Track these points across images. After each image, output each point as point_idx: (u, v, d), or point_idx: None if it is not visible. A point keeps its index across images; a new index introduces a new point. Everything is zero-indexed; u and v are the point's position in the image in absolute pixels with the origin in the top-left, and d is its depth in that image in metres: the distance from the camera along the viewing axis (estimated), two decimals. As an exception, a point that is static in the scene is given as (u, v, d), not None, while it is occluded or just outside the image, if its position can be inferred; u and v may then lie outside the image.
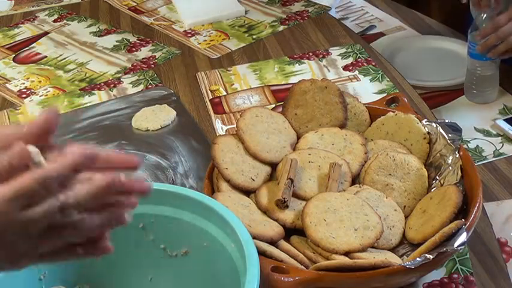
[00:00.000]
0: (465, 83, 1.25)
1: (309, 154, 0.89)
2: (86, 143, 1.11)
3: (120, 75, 1.37)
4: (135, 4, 1.71)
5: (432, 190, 0.85)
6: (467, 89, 1.24)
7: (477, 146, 1.09)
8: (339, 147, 0.91)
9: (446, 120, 0.89)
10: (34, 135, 0.49)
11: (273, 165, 0.89)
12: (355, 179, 0.88)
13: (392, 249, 0.80)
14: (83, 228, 0.48)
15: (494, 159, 1.05)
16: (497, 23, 1.15)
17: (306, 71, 1.31)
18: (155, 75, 1.35)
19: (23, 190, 0.45)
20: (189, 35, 1.52)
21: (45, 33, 1.60)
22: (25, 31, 1.62)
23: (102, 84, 1.34)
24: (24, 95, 1.33)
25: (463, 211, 0.78)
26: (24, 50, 1.52)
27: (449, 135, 0.86)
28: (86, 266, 0.69)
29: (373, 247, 0.78)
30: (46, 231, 0.47)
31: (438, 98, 1.27)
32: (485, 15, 1.16)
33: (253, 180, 0.86)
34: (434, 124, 0.89)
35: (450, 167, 0.84)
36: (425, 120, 0.91)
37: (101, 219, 0.49)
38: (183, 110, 1.21)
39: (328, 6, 1.61)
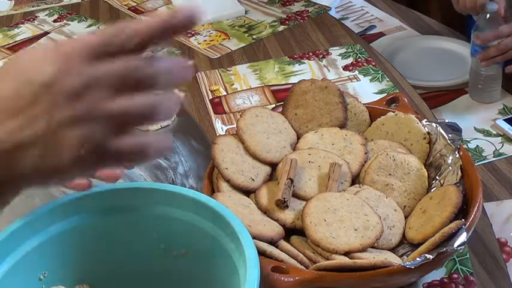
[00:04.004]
0: (470, 82, 1.24)
1: (309, 154, 0.89)
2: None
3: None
4: (135, 4, 1.71)
5: (432, 190, 0.85)
6: (472, 88, 1.24)
7: (477, 146, 1.09)
8: (339, 147, 0.91)
9: (446, 120, 0.89)
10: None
11: (273, 165, 0.89)
12: (355, 179, 0.88)
13: (393, 249, 0.80)
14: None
15: (494, 159, 1.05)
16: (499, 33, 1.15)
17: (306, 71, 1.31)
18: (155, 75, 1.35)
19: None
20: (189, 35, 1.52)
21: (45, 33, 1.60)
22: (25, 31, 1.62)
23: (102, 84, 1.34)
24: (24, 95, 1.32)
25: (463, 211, 0.78)
26: (24, 50, 1.52)
27: (449, 135, 0.86)
28: (86, 266, 0.69)
29: (373, 247, 0.78)
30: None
31: (438, 98, 1.27)
32: (488, 15, 1.15)
33: (253, 180, 0.86)
34: (434, 124, 0.89)
35: (450, 167, 0.84)
36: (425, 120, 0.91)
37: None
38: (183, 110, 1.21)
39: (328, 6, 1.62)
